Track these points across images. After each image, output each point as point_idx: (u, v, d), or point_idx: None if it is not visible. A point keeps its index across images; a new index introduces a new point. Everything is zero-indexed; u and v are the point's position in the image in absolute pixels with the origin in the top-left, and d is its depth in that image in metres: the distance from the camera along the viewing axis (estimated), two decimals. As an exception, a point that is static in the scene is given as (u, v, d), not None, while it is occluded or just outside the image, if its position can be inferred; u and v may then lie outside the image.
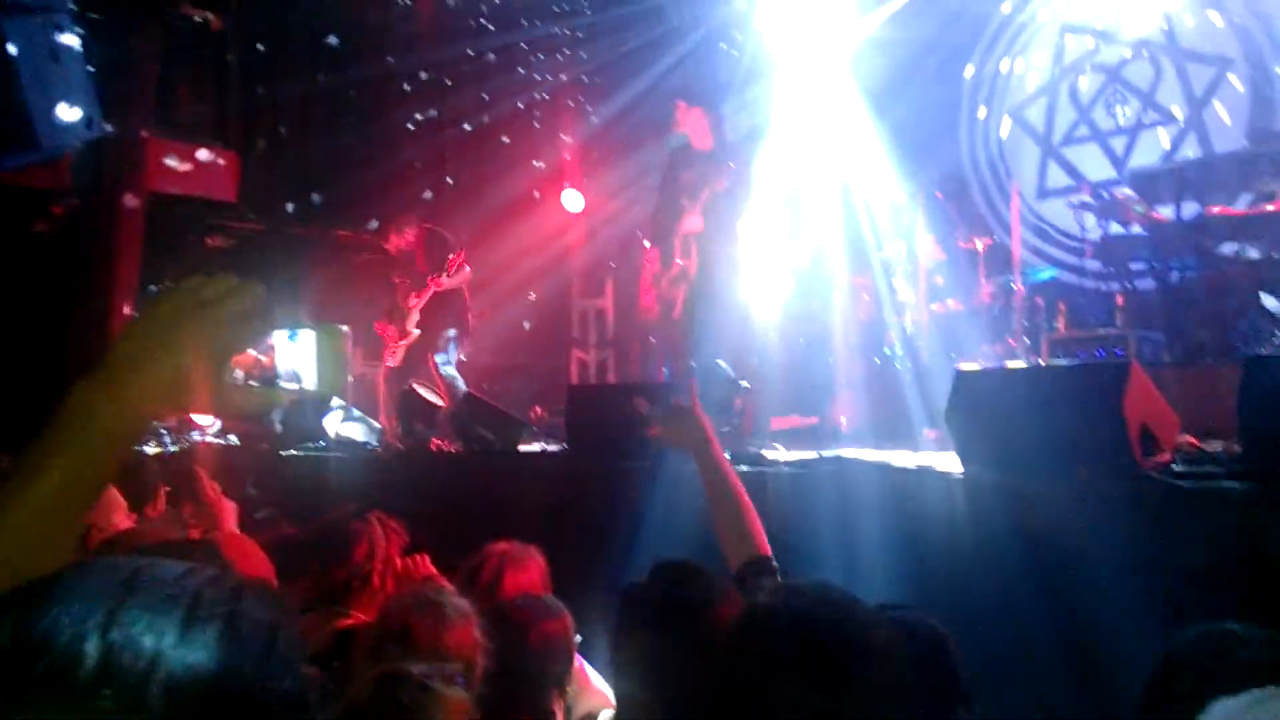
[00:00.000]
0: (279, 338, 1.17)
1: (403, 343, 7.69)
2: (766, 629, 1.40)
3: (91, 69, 8.70)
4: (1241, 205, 6.47)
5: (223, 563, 1.95)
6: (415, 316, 7.65)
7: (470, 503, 4.96)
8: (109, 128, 8.78)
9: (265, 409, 1.14)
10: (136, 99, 9.10)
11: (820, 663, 1.33)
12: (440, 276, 7.54)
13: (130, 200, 8.85)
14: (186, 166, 9.31)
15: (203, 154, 9.44)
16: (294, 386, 1.18)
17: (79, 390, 1.02)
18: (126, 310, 8.75)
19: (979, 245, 7.59)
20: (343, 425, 7.21)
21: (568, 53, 10.28)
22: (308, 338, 1.19)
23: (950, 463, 3.87)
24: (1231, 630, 1.66)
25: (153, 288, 9.03)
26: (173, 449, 7.07)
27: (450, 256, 7.60)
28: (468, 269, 7.74)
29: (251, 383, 1.13)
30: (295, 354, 1.18)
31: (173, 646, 0.70)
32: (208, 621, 0.72)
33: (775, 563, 2.24)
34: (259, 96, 9.91)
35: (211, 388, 1.06)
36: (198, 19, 9.78)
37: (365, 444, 6.94)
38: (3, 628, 0.70)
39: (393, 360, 7.75)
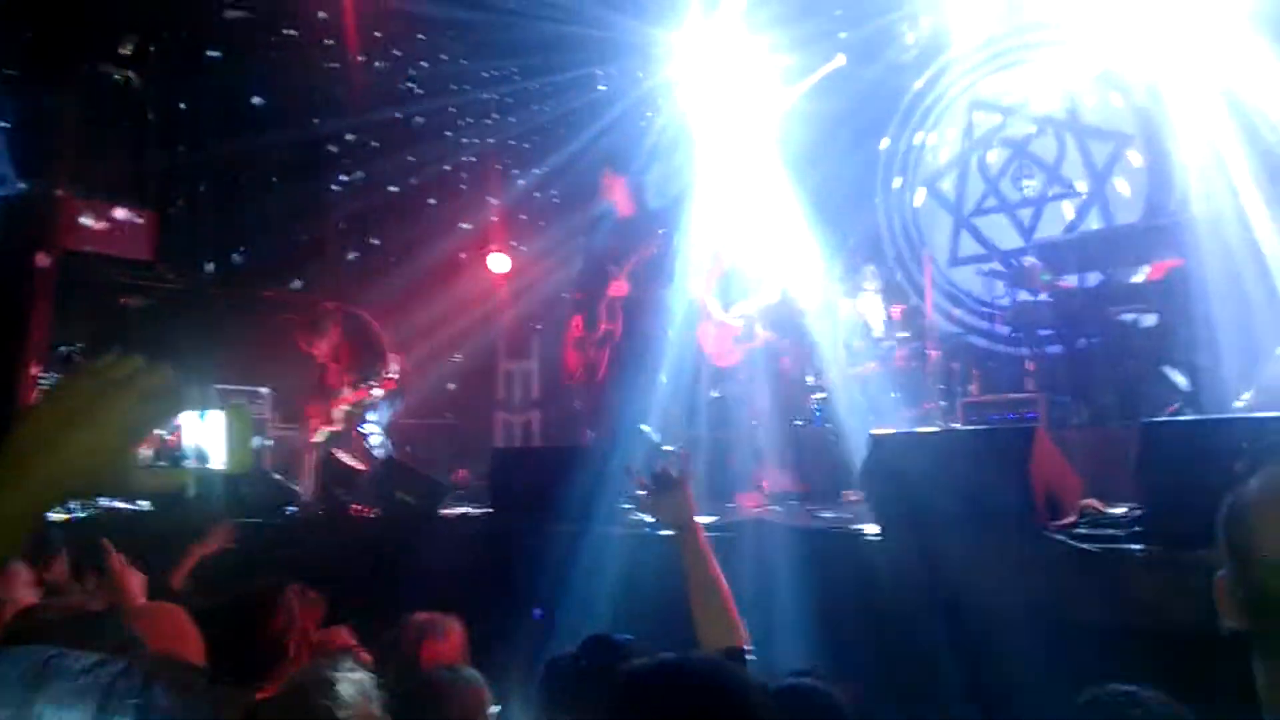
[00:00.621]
0: (187, 416, 1.17)
1: (326, 429, 7.42)
2: (643, 696, 1.41)
3: (6, 125, 8.56)
4: (1139, 275, 6.78)
5: (130, 637, 1.91)
6: (343, 409, 7.43)
7: (391, 569, 4.89)
8: (22, 185, 8.63)
9: (172, 490, 1.13)
10: (52, 156, 8.96)
11: None
12: (372, 387, 7.17)
13: (42, 259, 8.65)
14: (103, 225, 9.15)
15: (120, 212, 9.29)
16: (202, 466, 1.18)
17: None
18: (34, 370, 8.51)
19: (895, 311, 7.80)
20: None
21: (496, 117, 10.40)
22: (216, 417, 1.19)
23: (867, 525, 3.96)
24: (1130, 692, 1.73)
25: (63, 348, 8.81)
26: (80, 514, 6.85)
27: (379, 366, 7.19)
28: (396, 370, 7.33)
29: (159, 463, 1.13)
30: (202, 431, 1.19)
31: None
32: (118, 714, 0.73)
33: (753, 655, 2.23)
34: (179, 155, 9.82)
35: (119, 469, 1.05)
36: (118, 77, 9.69)
37: (282, 509, 6.80)
38: None
39: (316, 437, 7.48)
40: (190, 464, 1.17)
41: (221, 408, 1.19)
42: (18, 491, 1.00)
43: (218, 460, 1.18)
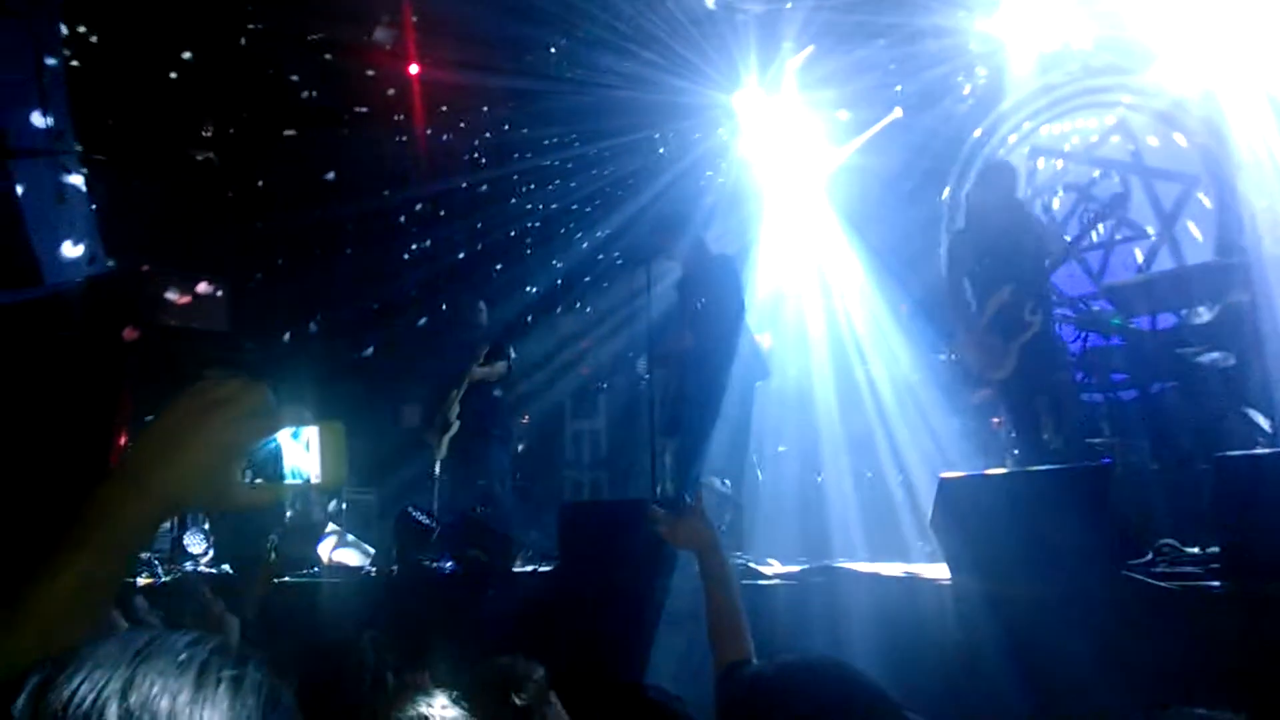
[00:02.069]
0: (283, 435, 1.24)
1: None
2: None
3: (95, 206, 8.98)
4: (1208, 315, 6.65)
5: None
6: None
7: (465, 623, 4.95)
8: (111, 263, 9.02)
9: (272, 504, 1.20)
10: (138, 234, 9.37)
11: None
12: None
13: (130, 333, 9.02)
14: (185, 299, 9.52)
15: (201, 286, 9.66)
16: (298, 482, 1.25)
17: (103, 487, 1.11)
18: (124, 442, 8.82)
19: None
20: (336, 551, 7.21)
21: (558, 182, 10.63)
22: (311, 434, 1.26)
23: (939, 571, 3.92)
24: (1201, 714, 1.70)
25: (151, 419, 9.10)
26: (165, 579, 7.04)
27: None
28: None
29: (259, 480, 1.21)
30: (298, 452, 1.26)
31: (185, 707, 0.77)
32: (217, 684, 0.79)
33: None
34: (256, 229, 10.20)
35: (221, 484, 1.14)
36: (199, 158, 10.15)
37: (359, 568, 6.93)
38: (26, 700, 0.77)
39: None
40: (289, 481, 1.24)
41: (315, 423, 1.26)
42: (128, 504, 1.08)
43: (314, 476, 1.25)
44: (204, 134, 10.16)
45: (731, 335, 6.23)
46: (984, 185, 6.53)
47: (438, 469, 7.75)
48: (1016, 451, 7.10)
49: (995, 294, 5.92)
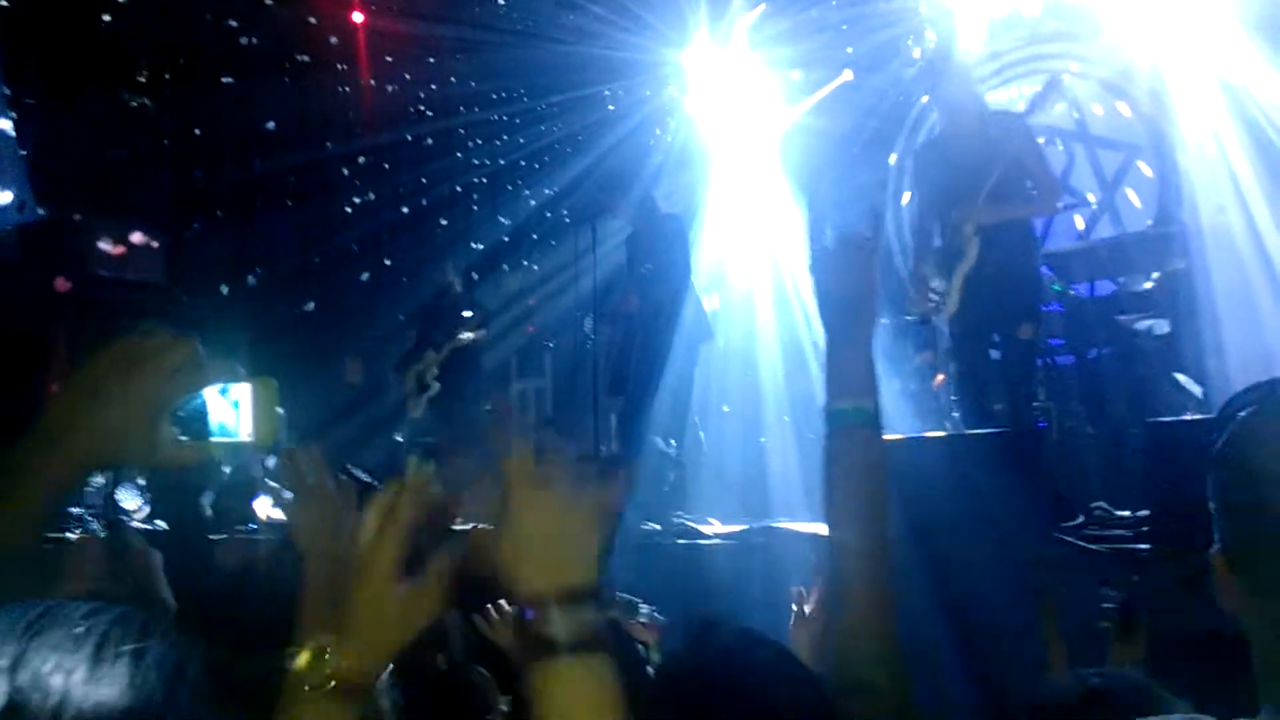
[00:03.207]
0: (211, 392, 1.20)
1: None
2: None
3: (24, 152, 8.69)
4: (1148, 283, 6.77)
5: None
6: None
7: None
8: (41, 211, 8.75)
9: (198, 461, 1.16)
10: (70, 183, 9.09)
11: None
12: None
13: (61, 284, 8.77)
14: (119, 249, 9.27)
15: (135, 237, 9.41)
16: (225, 440, 1.21)
17: (24, 441, 1.06)
18: (55, 394, 8.61)
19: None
20: (274, 509, 7.11)
21: (505, 137, 10.48)
22: (241, 390, 1.22)
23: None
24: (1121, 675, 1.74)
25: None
26: (102, 535, 6.91)
27: None
28: None
29: (184, 436, 1.16)
30: (226, 408, 1.22)
31: (80, 684, 0.73)
32: (115, 659, 0.75)
33: None
34: (193, 180, 9.94)
35: (146, 441, 1.09)
36: (133, 104, 9.83)
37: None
38: None
39: None
40: (217, 438, 1.20)
41: (247, 380, 1.21)
42: (49, 461, 1.04)
43: (244, 433, 1.21)
44: (139, 78, 9.84)
45: (677, 297, 6.21)
46: (942, 77, 5.68)
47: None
48: (956, 414, 7.21)
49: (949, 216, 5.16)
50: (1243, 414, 1.11)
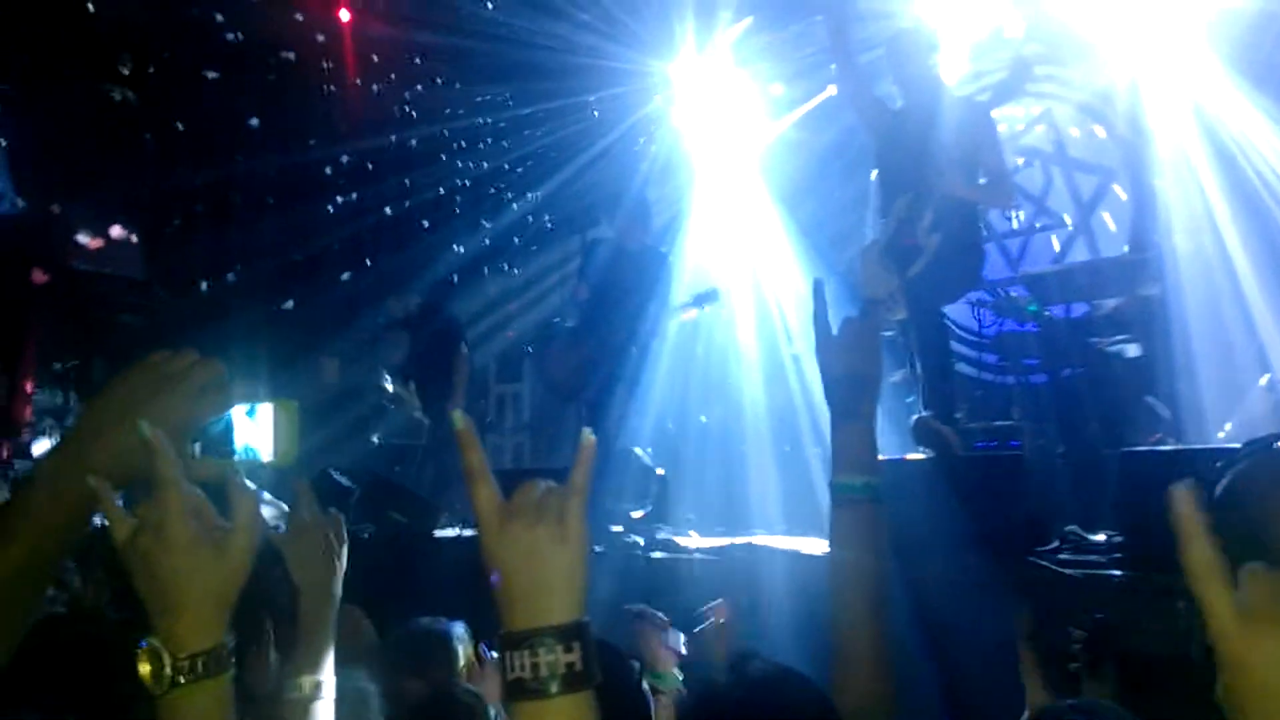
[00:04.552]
0: (237, 412, 1.23)
1: None
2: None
3: (4, 143, 8.63)
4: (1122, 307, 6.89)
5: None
6: None
7: (385, 588, 4.92)
8: (21, 202, 8.69)
9: (220, 480, 1.19)
10: (51, 174, 9.03)
11: None
12: None
13: (39, 275, 8.71)
14: (99, 243, 9.22)
15: (115, 231, 9.36)
16: (248, 459, 1.24)
17: (47, 459, 1.09)
18: (29, 386, 8.54)
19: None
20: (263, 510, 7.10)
21: (490, 142, 10.50)
22: (264, 411, 1.26)
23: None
24: (1087, 705, 1.80)
25: (57, 365, 8.84)
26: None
27: None
28: None
29: (208, 455, 1.20)
30: (250, 427, 1.25)
31: None
32: None
33: None
34: (175, 175, 9.89)
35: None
36: (116, 96, 9.77)
37: (274, 526, 6.83)
38: None
39: None
40: (240, 457, 1.23)
41: (269, 401, 1.25)
42: (76, 478, 1.06)
43: (265, 453, 1.25)
44: (122, 71, 9.78)
45: (654, 331, 6.18)
46: (899, 49, 5.38)
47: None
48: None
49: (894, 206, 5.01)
50: (1240, 464, 1.20)
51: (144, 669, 1.01)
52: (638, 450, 6.00)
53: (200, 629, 1.03)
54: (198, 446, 1.19)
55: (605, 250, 6.61)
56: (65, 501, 1.08)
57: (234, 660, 1.06)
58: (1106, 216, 8.60)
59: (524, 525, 1.05)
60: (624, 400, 6.10)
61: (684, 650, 2.59)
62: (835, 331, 1.85)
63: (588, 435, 1.08)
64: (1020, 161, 9.04)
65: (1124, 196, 8.48)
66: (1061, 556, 3.52)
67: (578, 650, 1.01)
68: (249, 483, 1.12)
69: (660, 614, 2.75)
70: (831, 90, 9.16)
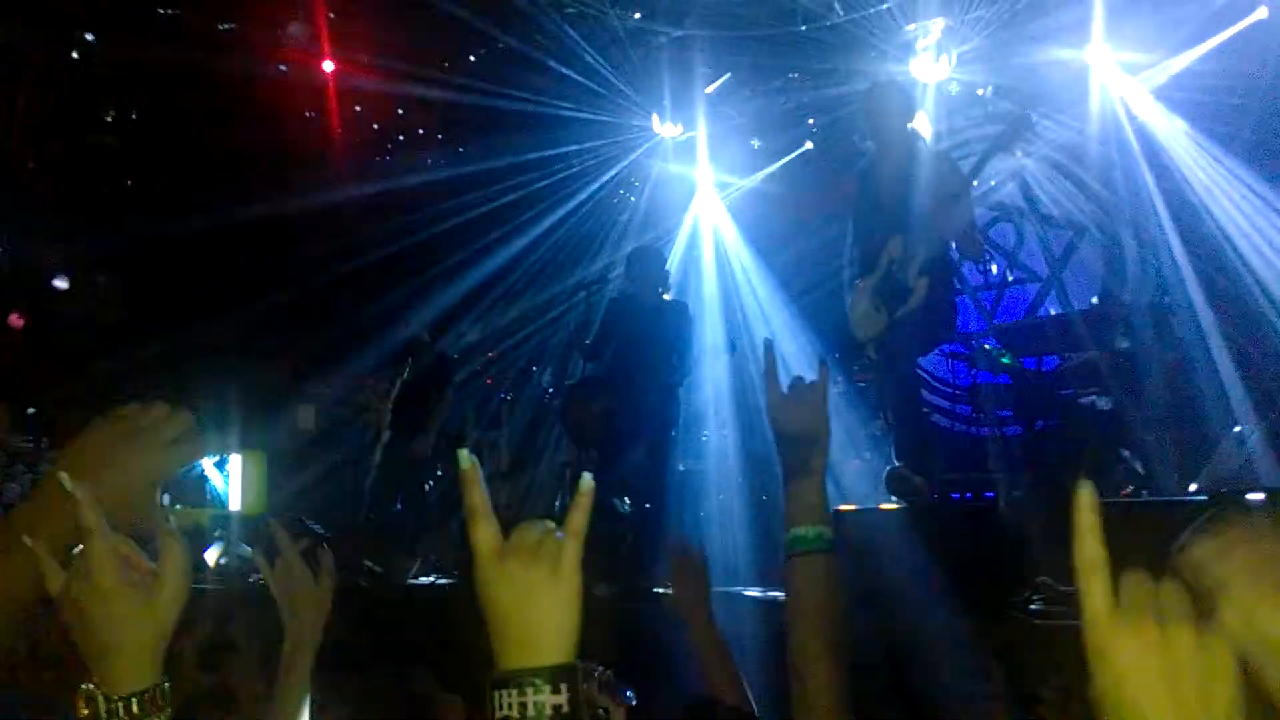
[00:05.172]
0: (208, 463, 1.26)
1: None
2: None
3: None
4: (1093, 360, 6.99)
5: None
6: None
7: (357, 637, 4.88)
8: (-1, 247, 8.69)
9: (189, 529, 1.21)
10: (28, 218, 9.03)
11: None
12: None
13: (15, 320, 8.69)
14: (76, 288, 9.21)
15: (95, 275, 9.36)
16: (217, 508, 1.27)
17: (19, 511, 1.11)
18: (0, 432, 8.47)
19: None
20: (224, 558, 7.03)
21: (471, 193, 10.55)
22: (234, 462, 1.28)
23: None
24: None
25: (30, 410, 8.77)
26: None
27: None
28: None
29: (178, 505, 1.22)
30: (220, 478, 1.28)
31: None
32: None
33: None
34: (155, 219, 9.89)
35: (142, 508, 1.15)
36: (97, 142, 9.81)
37: (246, 577, 6.77)
38: None
39: None
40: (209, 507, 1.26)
41: (239, 453, 1.28)
42: (48, 528, 1.09)
43: (234, 502, 1.27)
44: (105, 118, 9.83)
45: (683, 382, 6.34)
46: (873, 103, 5.38)
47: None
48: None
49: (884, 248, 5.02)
50: (1200, 519, 1.24)
51: (83, 712, 1.04)
52: (613, 499, 6.01)
53: (133, 671, 1.06)
54: (166, 496, 1.21)
55: (622, 305, 6.71)
56: (36, 550, 1.09)
57: (167, 701, 1.09)
58: (1078, 271, 8.74)
59: (520, 565, 1.06)
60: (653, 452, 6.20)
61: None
62: (785, 390, 1.92)
63: (587, 480, 1.09)
64: (992, 216, 9.20)
65: (1094, 251, 8.63)
66: (1033, 608, 3.55)
67: (564, 693, 1.01)
68: (177, 530, 1.13)
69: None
70: (807, 146, 9.34)
